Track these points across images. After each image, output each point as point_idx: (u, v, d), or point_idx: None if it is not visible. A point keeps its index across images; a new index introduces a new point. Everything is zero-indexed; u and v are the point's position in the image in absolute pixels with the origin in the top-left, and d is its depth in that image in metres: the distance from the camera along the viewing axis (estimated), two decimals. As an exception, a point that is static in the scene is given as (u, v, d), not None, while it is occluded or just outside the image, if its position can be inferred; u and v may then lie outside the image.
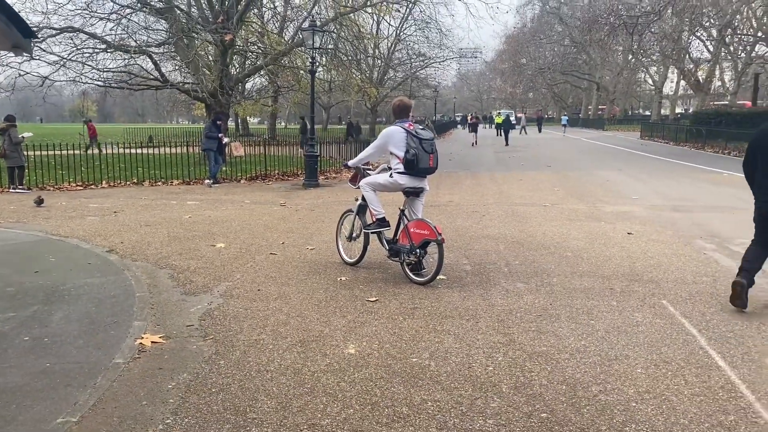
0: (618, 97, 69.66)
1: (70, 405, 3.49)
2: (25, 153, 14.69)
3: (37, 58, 17.03)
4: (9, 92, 18.47)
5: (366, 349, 4.31)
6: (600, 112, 72.09)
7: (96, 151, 23.06)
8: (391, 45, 42.64)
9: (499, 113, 52.16)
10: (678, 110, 67.70)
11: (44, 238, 8.28)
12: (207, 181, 15.17)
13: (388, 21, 37.66)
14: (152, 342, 4.46)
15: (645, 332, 4.62)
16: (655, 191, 13.54)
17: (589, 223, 9.45)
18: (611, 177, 16.64)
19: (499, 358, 4.15)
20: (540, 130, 55.34)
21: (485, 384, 3.74)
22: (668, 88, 65.91)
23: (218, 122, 15.95)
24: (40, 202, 11.24)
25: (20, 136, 14.11)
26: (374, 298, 5.50)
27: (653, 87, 60.51)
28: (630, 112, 79.46)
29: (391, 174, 6.28)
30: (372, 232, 6.53)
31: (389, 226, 6.45)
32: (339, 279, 6.19)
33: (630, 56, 55.12)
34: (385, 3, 25.76)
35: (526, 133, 49.97)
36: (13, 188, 13.81)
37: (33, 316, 5.00)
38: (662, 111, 62.48)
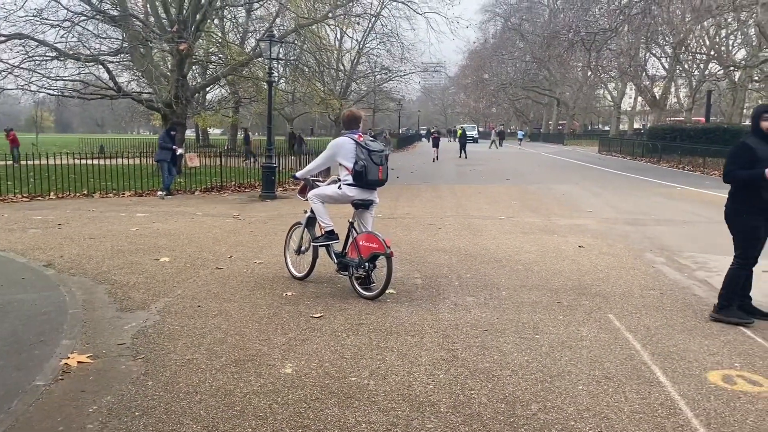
0: (578, 113, 71.05)
1: (-22, 433, 3.24)
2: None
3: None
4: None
5: (304, 368, 4.15)
6: (560, 127, 73.39)
7: (15, 162, 22.31)
8: (354, 58, 42.71)
9: (462, 127, 52.69)
10: (636, 125, 69.39)
11: (-22, 251, 7.90)
12: (160, 192, 14.81)
13: (350, 35, 37.75)
14: (78, 362, 4.22)
15: (589, 347, 4.57)
16: (610, 205, 13.70)
17: (542, 236, 9.46)
18: (568, 191, 16.82)
19: (440, 375, 4.04)
20: (501, 144, 55.98)
21: (424, 403, 3.62)
22: (626, 104, 67.50)
23: (172, 132, 15.60)
24: (-21, 214, 10.77)
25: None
26: (319, 314, 5.34)
27: (612, 103, 61.89)
28: (590, 127, 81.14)
29: (339, 186, 6.15)
30: (320, 245, 6.39)
31: (338, 239, 6.31)
32: (285, 294, 6.01)
33: (589, 72, 56.31)
34: (346, 16, 25.82)
35: (497, 147, 50.52)
36: (-46, 199, 13.24)
37: (-49, 336, 4.70)
38: (621, 126, 63.92)
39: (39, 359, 4.28)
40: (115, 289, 6.14)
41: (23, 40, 17.64)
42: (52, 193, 14.65)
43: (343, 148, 6.05)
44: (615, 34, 31.45)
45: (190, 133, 46.03)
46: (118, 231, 9.64)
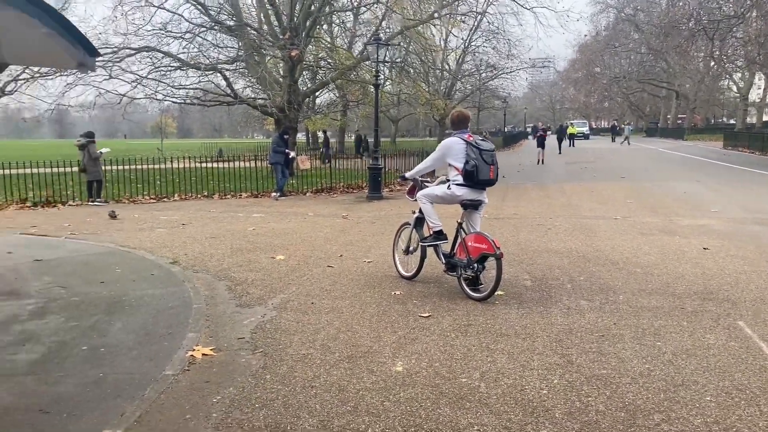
0: (699, 106, 66.64)
1: (117, 416, 3.52)
2: (104, 167, 15.42)
3: (117, 77, 17.94)
4: (89, 109, 19.49)
5: (414, 366, 4.18)
6: (680, 122, 69.17)
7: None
8: (459, 57, 42.45)
9: (571, 123, 51.00)
10: (766, 118, 64.07)
11: (113, 249, 8.58)
12: (274, 194, 15.45)
13: (456, 34, 37.57)
14: (203, 354, 4.48)
15: (717, 356, 4.27)
16: (737, 204, 12.74)
17: (662, 237, 8.96)
18: (689, 188, 15.81)
19: (554, 380, 3.92)
20: (613, 140, 53.63)
21: (537, 408, 3.53)
22: (755, 95, 62.44)
23: (285, 136, 16.24)
24: (113, 215, 11.71)
25: (98, 151, 14.83)
26: (427, 314, 5.36)
27: (738, 94, 57.49)
28: (712, 121, 75.93)
29: (449, 186, 6.13)
30: (429, 245, 6.40)
31: (446, 239, 6.29)
32: (393, 293, 6.08)
33: (712, 63, 52.67)
34: (452, 15, 25.72)
35: (629, 144, 48.52)
36: (92, 201, 14.50)
37: (93, 326, 5.14)
38: (748, 119, 59.25)
39: (168, 351, 4.59)
40: (235, 286, 6.48)
41: (150, 52, 19.06)
42: (176, 195, 15.68)
43: (452, 149, 6.03)
44: (742, 20, 29.23)
45: (300, 137, 47.66)
46: (236, 230, 10.16)
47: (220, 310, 5.64)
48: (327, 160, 25.15)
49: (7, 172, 15.40)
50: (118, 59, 18.00)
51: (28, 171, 15.30)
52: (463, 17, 26.55)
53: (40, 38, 4.79)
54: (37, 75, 19.17)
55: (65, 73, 17.91)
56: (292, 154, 16.97)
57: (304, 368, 4.19)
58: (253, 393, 3.82)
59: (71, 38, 4.92)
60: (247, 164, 18.72)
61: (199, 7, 19.78)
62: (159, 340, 4.80)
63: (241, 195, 15.96)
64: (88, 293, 6.17)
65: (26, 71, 19.83)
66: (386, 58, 16.83)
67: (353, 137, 41.04)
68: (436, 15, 23.90)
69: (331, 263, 7.51)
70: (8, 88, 21.76)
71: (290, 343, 4.70)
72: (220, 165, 19.65)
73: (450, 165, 6.10)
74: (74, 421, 3.48)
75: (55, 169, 15.17)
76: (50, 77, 18.92)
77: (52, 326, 5.15)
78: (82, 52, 5.14)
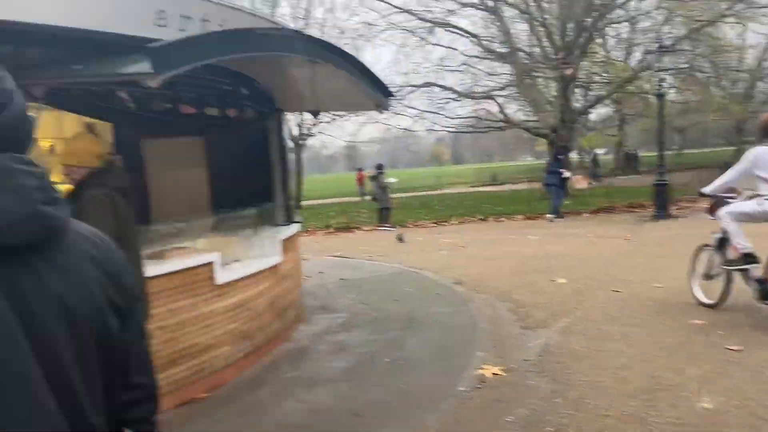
0: None
1: (419, 425, 3.80)
2: (391, 196, 16.91)
3: (400, 113, 19.64)
4: (376, 143, 21.60)
5: (725, 404, 3.74)
6: None
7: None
8: (762, 54, 37.18)
9: None
10: None
11: (403, 270, 9.33)
12: (548, 215, 15.26)
13: (756, 29, 33.00)
14: (492, 373, 4.59)
15: None
16: None
17: None
18: None
19: None
20: None
21: None
22: None
23: (559, 157, 16.01)
24: (401, 238, 12.73)
25: (386, 181, 16.34)
26: (737, 347, 4.75)
27: None
28: None
29: (759, 201, 5.41)
30: (735, 270, 5.69)
31: (758, 262, 5.52)
32: (692, 322, 5.53)
33: None
34: (749, 8, 22.75)
35: None
36: (381, 226, 15.96)
37: (392, 340, 5.64)
38: None
39: (459, 367, 4.81)
40: (517, 308, 6.53)
41: (428, 87, 20.49)
42: (453, 219, 16.45)
43: (763, 159, 5.31)
44: None
45: (574, 155, 46.39)
46: (513, 252, 10.27)
47: (505, 331, 5.74)
48: (598, 178, 24.54)
49: (314, 202, 17.85)
50: (401, 97, 19.69)
51: (328, 201, 17.53)
52: (764, 10, 23.28)
53: (347, 86, 5.50)
54: (336, 117, 21.89)
55: (358, 114, 20.16)
56: (567, 174, 16.62)
57: (597, 396, 4.04)
58: (545, 416, 3.79)
59: (371, 83, 5.56)
60: (520, 187, 18.86)
61: (473, 40, 20.69)
62: (450, 357, 5.06)
63: (515, 218, 16.09)
64: (385, 309, 6.80)
65: (327, 114, 22.79)
66: (669, 65, 15.58)
67: (621, 154, 38.78)
68: (728, 12, 21.40)
69: (616, 287, 7.13)
70: (313, 130, 25.28)
71: (579, 369, 4.57)
72: (493, 189, 20.19)
73: (759, 177, 5.38)
74: (383, 425, 3.84)
75: (347, 199, 17.13)
76: (346, 118, 21.47)
77: (358, 338, 5.78)
78: (379, 94, 5.77)
